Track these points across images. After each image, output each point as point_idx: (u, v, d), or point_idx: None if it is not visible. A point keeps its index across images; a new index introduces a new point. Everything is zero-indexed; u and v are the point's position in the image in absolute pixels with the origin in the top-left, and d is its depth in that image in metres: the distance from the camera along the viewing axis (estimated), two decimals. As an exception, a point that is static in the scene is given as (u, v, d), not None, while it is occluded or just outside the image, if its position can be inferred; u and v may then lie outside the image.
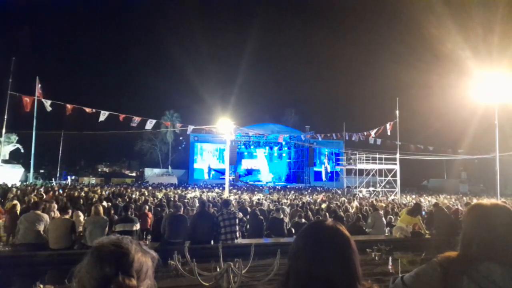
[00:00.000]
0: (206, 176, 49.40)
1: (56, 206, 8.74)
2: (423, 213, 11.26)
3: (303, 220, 9.70)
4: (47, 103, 22.78)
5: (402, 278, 1.66)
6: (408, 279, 1.62)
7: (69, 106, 22.24)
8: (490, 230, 1.55)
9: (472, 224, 1.62)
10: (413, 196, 25.69)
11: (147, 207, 10.78)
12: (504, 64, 21.14)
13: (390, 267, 6.51)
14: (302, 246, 1.17)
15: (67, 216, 7.39)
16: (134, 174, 68.55)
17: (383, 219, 10.23)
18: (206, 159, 50.50)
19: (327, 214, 11.26)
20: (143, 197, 16.05)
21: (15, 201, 11.89)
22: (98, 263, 1.06)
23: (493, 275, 1.43)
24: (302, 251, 1.16)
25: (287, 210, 11.97)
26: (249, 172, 53.93)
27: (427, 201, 21.89)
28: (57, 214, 8.25)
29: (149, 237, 8.06)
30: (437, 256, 1.59)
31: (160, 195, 19.20)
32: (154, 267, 1.17)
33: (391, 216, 11.46)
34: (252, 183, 46.21)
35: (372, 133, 30.66)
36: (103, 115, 22.77)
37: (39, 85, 26.02)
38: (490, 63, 22.41)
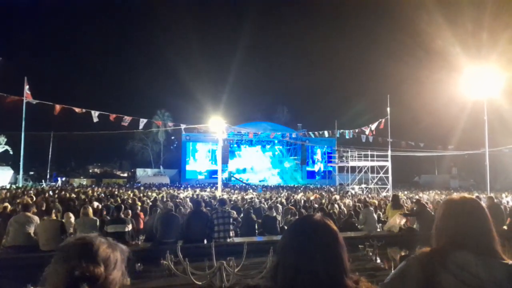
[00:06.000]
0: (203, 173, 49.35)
1: (35, 210, 8.57)
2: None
3: (296, 217, 9.72)
4: (34, 102, 22.45)
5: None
6: (383, 285, 1.58)
7: (58, 106, 21.97)
8: (459, 221, 1.57)
9: (442, 217, 1.65)
10: (405, 192, 25.86)
11: (139, 207, 10.68)
12: (492, 60, 21.47)
13: (382, 262, 6.57)
14: (290, 240, 1.18)
15: (53, 217, 7.33)
16: (125, 175, 67.95)
17: (374, 214, 10.31)
18: (198, 158, 50.37)
19: (324, 210, 11.30)
20: (135, 198, 15.93)
21: (6, 203, 11.74)
22: (63, 257, 1.08)
23: (468, 265, 1.45)
24: (289, 245, 1.17)
25: (280, 208, 12.00)
26: (242, 170, 53.92)
27: (419, 196, 22.06)
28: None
29: (142, 237, 8.00)
30: (415, 253, 1.59)
31: (154, 195, 19.08)
32: (125, 260, 1.19)
33: (380, 212, 11.62)
34: (245, 181, 46.18)
35: (367, 131, 30.72)
36: (95, 116, 22.54)
37: (27, 86, 25.67)
38: (479, 59, 22.70)
